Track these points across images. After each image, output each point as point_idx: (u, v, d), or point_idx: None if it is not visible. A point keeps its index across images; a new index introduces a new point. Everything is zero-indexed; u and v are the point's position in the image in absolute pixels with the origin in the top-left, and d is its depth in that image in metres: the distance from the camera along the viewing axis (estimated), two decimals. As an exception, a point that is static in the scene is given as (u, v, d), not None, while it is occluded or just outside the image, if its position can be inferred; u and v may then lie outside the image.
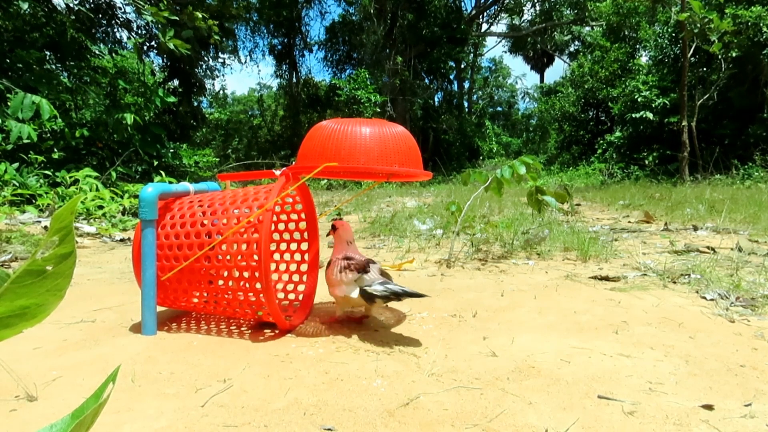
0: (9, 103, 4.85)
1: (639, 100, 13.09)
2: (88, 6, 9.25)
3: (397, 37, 17.36)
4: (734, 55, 10.99)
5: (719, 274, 2.22)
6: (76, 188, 5.16)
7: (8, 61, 6.21)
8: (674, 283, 2.14)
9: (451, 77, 21.38)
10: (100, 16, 9.80)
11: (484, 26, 24.22)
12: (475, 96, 28.50)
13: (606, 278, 2.25)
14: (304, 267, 1.87)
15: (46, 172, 5.62)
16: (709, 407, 1.04)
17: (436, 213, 4.69)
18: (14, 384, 1.14)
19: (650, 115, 12.79)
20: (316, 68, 50.60)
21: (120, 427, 0.97)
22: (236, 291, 1.52)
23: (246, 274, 1.47)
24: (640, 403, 1.06)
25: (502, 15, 23.69)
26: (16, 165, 5.37)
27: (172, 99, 7.64)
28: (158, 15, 5.41)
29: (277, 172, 1.58)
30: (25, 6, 6.18)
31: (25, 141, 5.12)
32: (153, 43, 11.09)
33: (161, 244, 1.54)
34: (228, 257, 1.57)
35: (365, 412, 1.04)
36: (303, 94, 20.42)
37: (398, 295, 1.47)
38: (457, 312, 1.78)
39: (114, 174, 6.19)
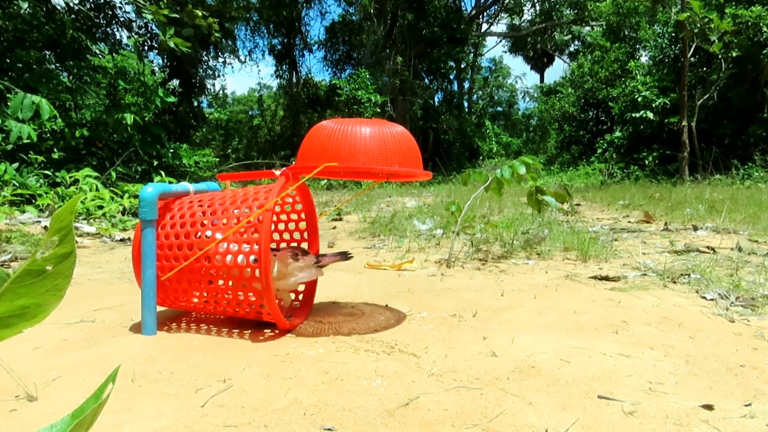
0: (9, 103, 4.85)
1: (639, 100, 13.08)
2: (88, 6, 9.25)
3: (397, 37, 17.35)
4: (734, 55, 10.98)
5: (719, 274, 2.22)
6: (76, 188, 5.16)
7: (8, 61, 6.21)
8: (674, 283, 2.14)
9: (451, 77, 21.37)
10: (101, 15, 9.81)
11: (484, 26, 24.22)
12: (475, 96, 28.49)
13: (606, 278, 2.25)
14: (304, 267, 1.87)
15: (46, 172, 5.62)
16: (709, 407, 1.04)
17: (436, 213, 4.69)
18: (14, 384, 1.14)
19: (650, 115, 12.79)
20: (316, 68, 50.69)
21: (120, 427, 0.97)
22: (236, 291, 1.52)
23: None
24: (640, 403, 1.06)
25: (502, 15, 23.68)
26: (16, 165, 5.37)
27: (172, 99, 7.63)
28: (158, 13, 5.41)
29: (277, 172, 1.58)
30: (25, 6, 6.18)
31: (25, 141, 5.12)
32: (153, 42, 11.10)
33: (161, 244, 1.54)
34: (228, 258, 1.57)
35: (365, 412, 1.04)
36: (303, 94, 20.42)
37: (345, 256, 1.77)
38: (457, 312, 1.78)
39: (114, 174, 6.19)
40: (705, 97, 11.71)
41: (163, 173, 6.31)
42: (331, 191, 11.60)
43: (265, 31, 20.74)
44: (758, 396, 1.09)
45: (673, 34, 12.43)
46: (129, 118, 6.38)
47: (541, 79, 29.78)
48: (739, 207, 4.95)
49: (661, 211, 5.15)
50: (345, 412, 1.03)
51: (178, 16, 5.83)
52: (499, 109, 32.77)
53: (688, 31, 9.40)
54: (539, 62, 29.22)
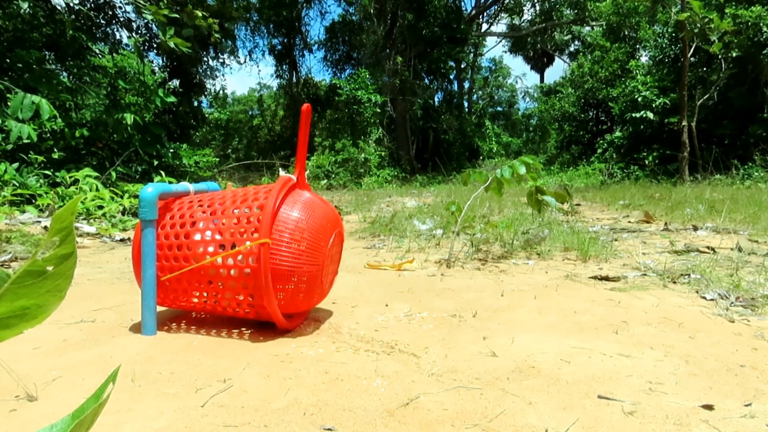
0: (9, 103, 4.85)
1: (639, 100, 13.08)
2: (88, 6, 9.25)
3: (397, 37, 17.34)
4: (734, 55, 10.98)
5: (719, 274, 2.22)
6: (76, 188, 5.16)
7: (8, 61, 6.21)
8: (674, 283, 2.14)
9: (451, 77, 21.35)
10: (100, 15, 9.81)
11: (484, 26, 24.19)
12: (475, 96, 28.47)
13: (606, 278, 2.25)
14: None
15: (46, 172, 5.62)
16: (709, 407, 1.04)
17: (436, 213, 4.69)
18: (14, 384, 1.14)
19: (650, 115, 12.78)
20: (316, 68, 50.45)
21: (120, 427, 0.97)
22: (236, 291, 1.52)
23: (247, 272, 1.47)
24: (640, 403, 1.06)
25: (502, 15, 23.65)
26: (16, 165, 5.37)
27: (172, 99, 7.63)
28: (158, 14, 5.40)
29: (282, 172, 1.59)
30: (25, 6, 6.18)
31: (25, 141, 5.12)
32: (153, 42, 11.11)
33: (161, 244, 1.54)
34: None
35: (365, 412, 1.04)
36: (303, 94, 20.41)
37: None
38: (457, 312, 1.78)
39: (114, 174, 6.18)
40: (705, 97, 11.70)
41: (163, 173, 6.31)
42: (331, 191, 11.61)
43: (265, 31, 20.73)
44: (758, 396, 1.09)
45: (673, 34, 12.43)
46: (129, 118, 6.38)
47: (541, 79, 29.78)
48: (739, 207, 4.95)
49: (661, 211, 5.15)
50: (345, 412, 1.03)
51: (178, 16, 5.83)
52: (499, 109, 32.77)
53: (688, 31, 9.39)
54: (539, 62, 29.21)
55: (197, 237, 1.53)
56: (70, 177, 5.31)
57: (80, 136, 6.44)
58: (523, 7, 22.44)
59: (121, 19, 10.43)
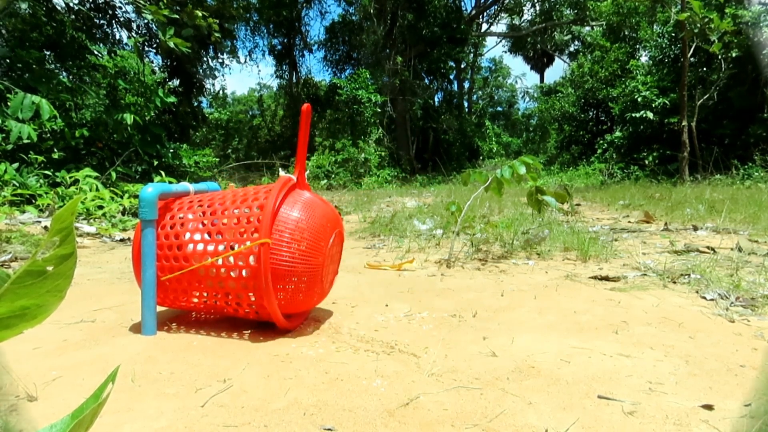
0: (9, 103, 4.85)
1: (639, 100, 13.08)
2: (88, 6, 9.25)
3: (397, 37, 17.33)
4: (734, 55, 10.98)
5: (719, 274, 2.22)
6: (76, 188, 5.16)
7: (8, 61, 6.21)
8: (674, 283, 2.14)
9: (451, 77, 21.34)
10: (100, 15, 9.81)
11: (484, 26, 24.18)
12: (475, 96, 28.47)
13: (606, 278, 2.25)
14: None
15: (46, 172, 5.62)
16: (709, 407, 1.04)
17: (436, 213, 4.69)
18: (14, 384, 1.14)
19: (650, 115, 12.78)
20: (316, 68, 50.50)
21: (120, 427, 0.97)
22: (236, 291, 1.52)
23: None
24: (640, 403, 1.06)
25: (502, 15, 23.64)
26: (16, 165, 5.37)
27: (172, 99, 7.63)
28: (158, 13, 5.40)
29: (282, 172, 1.59)
30: (25, 6, 6.18)
31: (25, 141, 5.12)
32: (153, 42, 11.11)
33: (161, 244, 1.54)
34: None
35: (365, 412, 1.04)
36: (303, 94, 20.40)
37: None
38: (457, 312, 1.78)
39: (114, 174, 6.18)
40: (705, 97, 11.69)
41: (163, 173, 6.31)
42: (331, 191, 11.62)
43: (265, 31, 20.73)
44: (758, 396, 1.09)
45: (673, 34, 12.42)
46: (129, 118, 6.38)
47: (541, 79, 29.77)
48: (739, 207, 4.95)
49: (661, 211, 5.15)
50: (345, 412, 1.03)
51: (177, 16, 5.83)
52: (499, 109, 32.77)
53: (688, 31, 9.39)
54: (539, 62, 29.20)
55: (197, 237, 1.54)
56: (70, 177, 5.31)
57: (80, 136, 6.44)
58: (523, 7, 22.43)
59: (121, 19, 10.43)
